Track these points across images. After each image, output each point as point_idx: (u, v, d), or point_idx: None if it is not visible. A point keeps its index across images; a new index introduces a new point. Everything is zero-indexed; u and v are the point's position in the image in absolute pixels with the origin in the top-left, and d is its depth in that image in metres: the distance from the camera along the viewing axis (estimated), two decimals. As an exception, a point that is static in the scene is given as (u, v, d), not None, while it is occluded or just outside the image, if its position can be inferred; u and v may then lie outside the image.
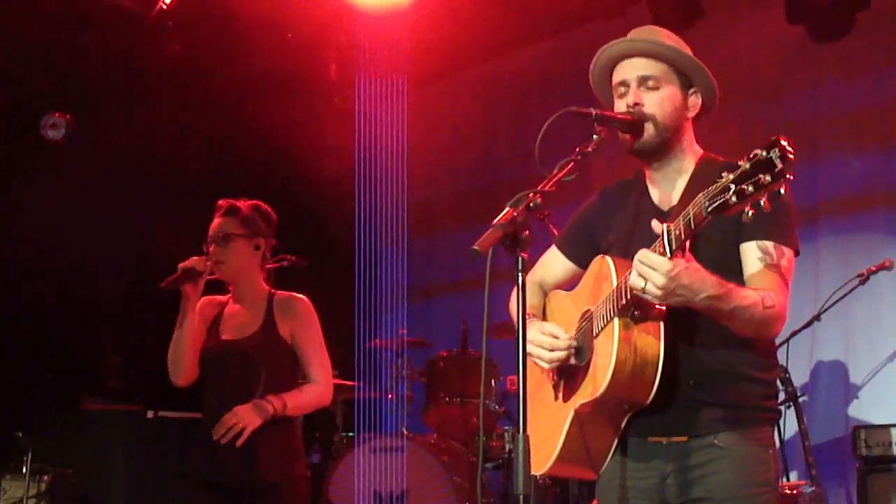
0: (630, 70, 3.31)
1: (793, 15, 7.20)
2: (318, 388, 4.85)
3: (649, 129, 3.25)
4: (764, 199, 2.57)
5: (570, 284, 3.58)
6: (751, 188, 2.57)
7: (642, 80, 3.28)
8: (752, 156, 2.59)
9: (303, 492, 4.82)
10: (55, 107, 7.66)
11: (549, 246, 3.71)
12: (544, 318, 3.57)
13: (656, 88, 3.28)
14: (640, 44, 3.32)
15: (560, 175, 3.02)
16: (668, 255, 2.80)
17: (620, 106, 3.30)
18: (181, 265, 4.70)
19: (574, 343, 3.24)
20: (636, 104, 3.25)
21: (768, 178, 2.54)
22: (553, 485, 6.58)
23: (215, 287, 4.92)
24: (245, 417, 4.59)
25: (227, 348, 4.79)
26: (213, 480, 4.68)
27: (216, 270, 4.80)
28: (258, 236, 4.87)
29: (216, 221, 4.85)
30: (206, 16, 7.71)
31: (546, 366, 3.28)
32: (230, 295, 4.94)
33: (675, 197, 3.30)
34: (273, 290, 4.93)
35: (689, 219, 2.75)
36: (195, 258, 4.73)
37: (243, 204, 4.89)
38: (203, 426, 4.76)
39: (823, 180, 7.09)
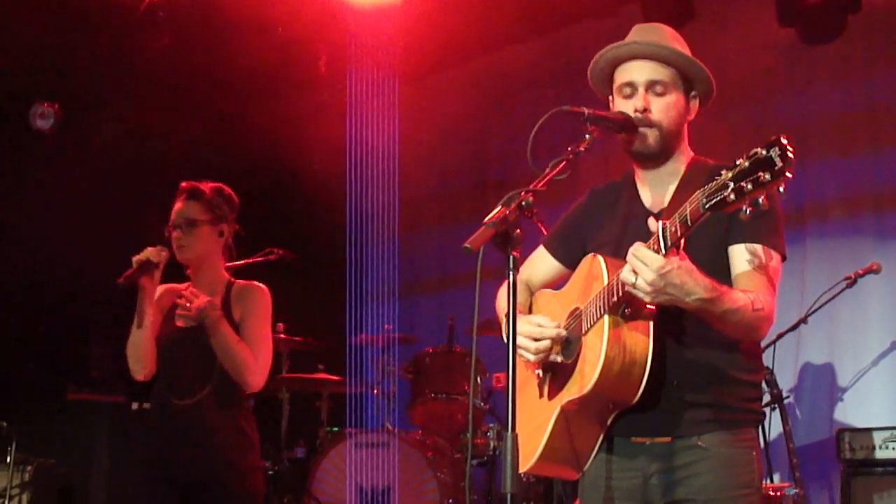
0: (638, 72, 3.29)
1: (784, 17, 7.21)
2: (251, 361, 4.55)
3: (654, 134, 3.24)
4: (762, 198, 2.57)
5: (556, 284, 3.57)
6: (750, 186, 2.56)
7: (650, 85, 3.26)
8: (751, 154, 2.58)
9: (256, 485, 4.59)
10: (44, 97, 7.64)
11: (538, 244, 3.70)
12: (531, 316, 3.55)
13: (663, 94, 3.26)
14: (651, 48, 3.29)
15: (552, 174, 3.01)
16: (663, 251, 2.79)
17: (626, 106, 3.27)
18: (136, 258, 4.51)
19: (562, 332, 3.21)
20: (645, 109, 3.23)
21: (768, 176, 2.52)
22: (537, 483, 6.58)
23: (177, 274, 4.76)
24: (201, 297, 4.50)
25: (182, 337, 4.59)
26: (161, 474, 4.48)
27: (178, 254, 4.61)
28: (222, 222, 4.69)
29: (178, 206, 4.66)
30: (196, 9, 7.69)
31: (532, 357, 3.24)
32: (189, 283, 4.71)
33: (666, 199, 3.29)
34: (233, 279, 4.74)
35: (686, 215, 2.73)
36: (150, 249, 4.53)
37: (206, 187, 4.70)
38: (151, 417, 4.57)
39: (811, 182, 7.09)
